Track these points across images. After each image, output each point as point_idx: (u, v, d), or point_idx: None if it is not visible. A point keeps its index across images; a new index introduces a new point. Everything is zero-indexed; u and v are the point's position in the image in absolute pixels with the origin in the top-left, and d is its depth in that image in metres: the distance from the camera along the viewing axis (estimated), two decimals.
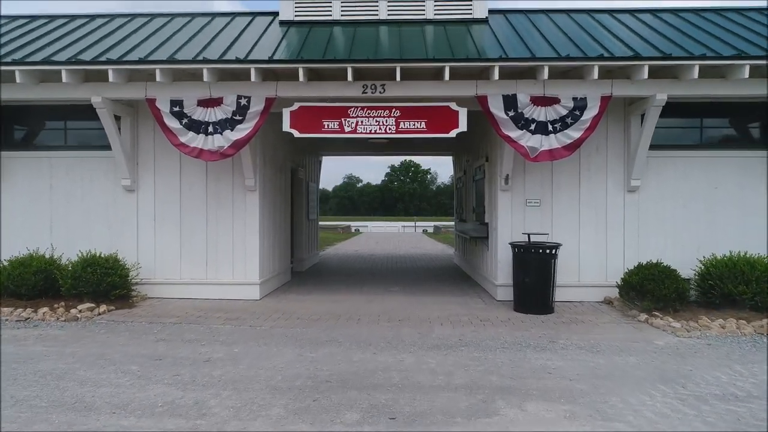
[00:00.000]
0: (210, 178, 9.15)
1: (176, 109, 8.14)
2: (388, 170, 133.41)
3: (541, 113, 7.90)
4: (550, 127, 7.90)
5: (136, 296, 8.78)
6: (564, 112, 7.89)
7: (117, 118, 8.88)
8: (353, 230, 48.41)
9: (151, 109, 8.22)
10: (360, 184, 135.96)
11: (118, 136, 8.67)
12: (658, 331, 6.89)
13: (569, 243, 8.63)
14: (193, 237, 9.13)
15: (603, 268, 8.86)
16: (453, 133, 8.04)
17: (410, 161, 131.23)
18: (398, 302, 8.91)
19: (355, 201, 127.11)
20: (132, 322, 7.29)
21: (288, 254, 11.57)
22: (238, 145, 8.11)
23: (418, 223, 61.06)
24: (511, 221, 8.92)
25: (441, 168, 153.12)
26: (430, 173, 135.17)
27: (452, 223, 45.23)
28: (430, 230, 47.91)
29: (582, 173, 8.91)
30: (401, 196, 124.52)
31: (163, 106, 8.16)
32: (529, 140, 7.90)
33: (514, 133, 7.93)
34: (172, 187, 9.18)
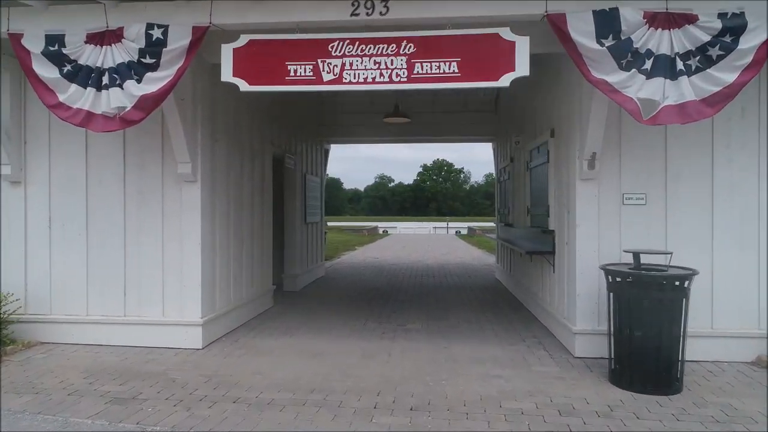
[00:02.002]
0: (130, 163, 6.04)
1: (53, 48, 5.04)
2: (421, 169, 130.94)
3: (662, 41, 4.48)
4: (680, 65, 4.47)
5: (14, 344, 5.73)
6: (705, 37, 4.44)
7: None
8: (381, 231, 45.27)
9: (15, 50, 5.15)
10: (392, 184, 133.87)
11: None
12: None
13: (695, 266, 5.15)
14: (106, 252, 6.04)
15: (752, 307, 5.37)
16: (505, 80, 4.69)
17: (443, 160, 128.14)
18: (414, 357, 5.61)
19: (387, 201, 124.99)
20: None
21: (269, 272, 8.41)
22: (147, 106, 4.95)
23: (451, 224, 57.52)
24: (599, 229, 5.51)
25: (474, 167, 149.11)
26: (464, 172, 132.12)
27: (490, 224, 41.87)
28: (464, 232, 44.41)
29: (716, 151, 5.43)
30: (434, 196, 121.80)
31: (34, 45, 5.08)
32: (643, 88, 4.48)
33: (615, 77, 4.52)
34: (75, 178, 6.11)
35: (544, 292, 7.09)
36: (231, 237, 6.82)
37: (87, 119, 5.02)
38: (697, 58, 4.45)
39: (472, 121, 12.12)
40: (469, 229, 43.32)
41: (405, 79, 4.79)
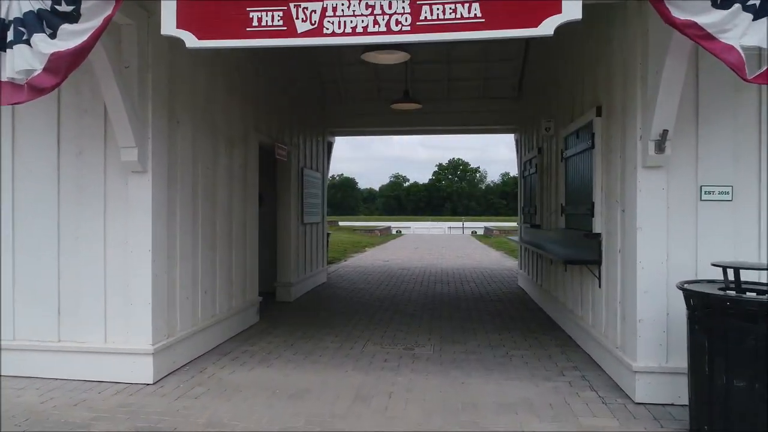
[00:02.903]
0: (65, 150, 4.81)
1: None
2: (436, 169, 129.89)
3: None
4: None
5: None
6: None
7: None
8: (394, 232, 44.00)
9: None
10: (407, 184, 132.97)
11: None
12: None
13: None
14: (37, 263, 4.82)
15: None
16: (548, 27, 3.36)
17: (458, 159, 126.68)
18: (422, 400, 4.30)
19: (402, 200, 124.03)
20: None
21: (254, 282, 7.17)
22: (60, 67, 3.69)
23: (467, 224, 56.01)
24: (668, 233, 4.15)
25: (491, 166, 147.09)
26: (479, 171, 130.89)
27: (508, 224, 40.27)
28: (480, 232, 42.94)
29: None
30: (449, 196, 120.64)
31: None
32: (748, 32, 3.12)
33: (708, 17, 3.16)
34: None
35: (584, 311, 5.73)
36: (199, 242, 5.57)
37: None
38: None
39: (492, 108, 10.80)
40: (486, 229, 41.84)
41: (408, 29, 3.50)
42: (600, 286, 5.15)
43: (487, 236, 35.94)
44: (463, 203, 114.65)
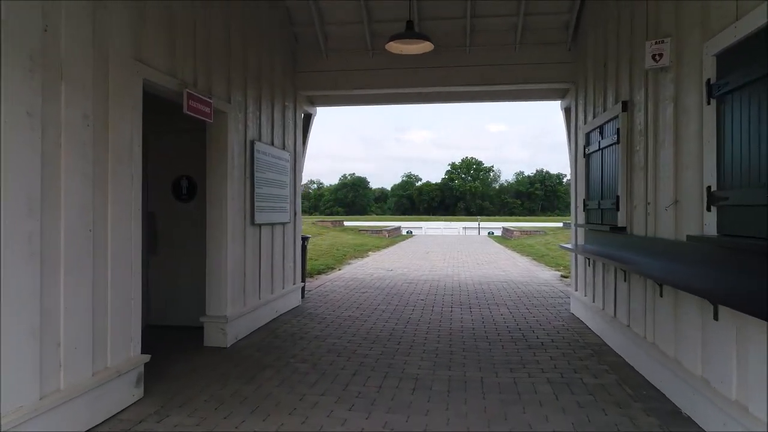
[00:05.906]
0: None
1: None
2: (449, 168, 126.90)
3: None
4: None
5: None
6: None
7: None
8: (404, 233, 40.72)
9: None
10: (419, 183, 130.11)
11: None
12: None
13: None
14: None
15: None
16: None
17: (472, 158, 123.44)
18: None
19: (414, 200, 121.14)
20: None
21: (125, 332, 4.00)
22: None
23: (483, 224, 52.62)
24: None
25: (504, 166, 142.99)
26: (493, 170, 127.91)
27: (527, 225, 36.81)
28: (497, 233, 39.51)
29: None
30: (462, 195, 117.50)
31: None
32: None
33: None
34: None
35: None
36: None
37: None
38: None
39: (533, 59, 7.53)
40: (504, 230, 38.37)
41: None
42: None
43: (506, 238, 32.56)
44: (476, 203, 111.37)
